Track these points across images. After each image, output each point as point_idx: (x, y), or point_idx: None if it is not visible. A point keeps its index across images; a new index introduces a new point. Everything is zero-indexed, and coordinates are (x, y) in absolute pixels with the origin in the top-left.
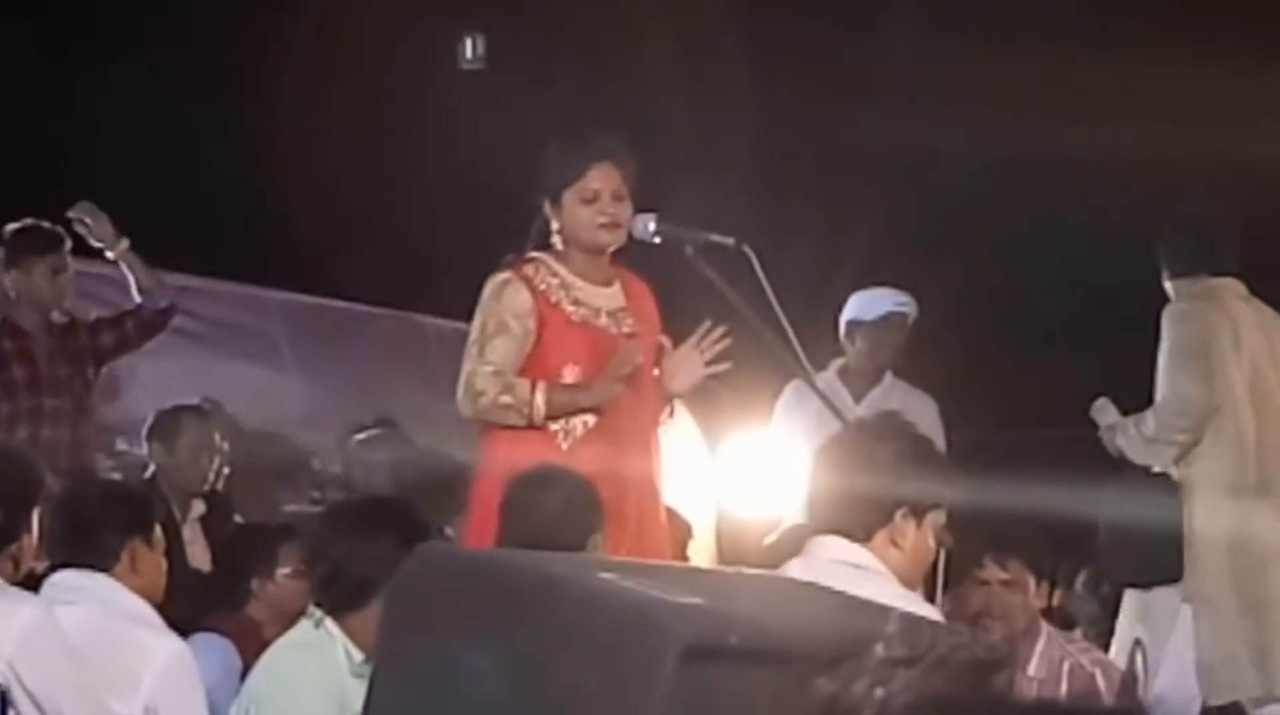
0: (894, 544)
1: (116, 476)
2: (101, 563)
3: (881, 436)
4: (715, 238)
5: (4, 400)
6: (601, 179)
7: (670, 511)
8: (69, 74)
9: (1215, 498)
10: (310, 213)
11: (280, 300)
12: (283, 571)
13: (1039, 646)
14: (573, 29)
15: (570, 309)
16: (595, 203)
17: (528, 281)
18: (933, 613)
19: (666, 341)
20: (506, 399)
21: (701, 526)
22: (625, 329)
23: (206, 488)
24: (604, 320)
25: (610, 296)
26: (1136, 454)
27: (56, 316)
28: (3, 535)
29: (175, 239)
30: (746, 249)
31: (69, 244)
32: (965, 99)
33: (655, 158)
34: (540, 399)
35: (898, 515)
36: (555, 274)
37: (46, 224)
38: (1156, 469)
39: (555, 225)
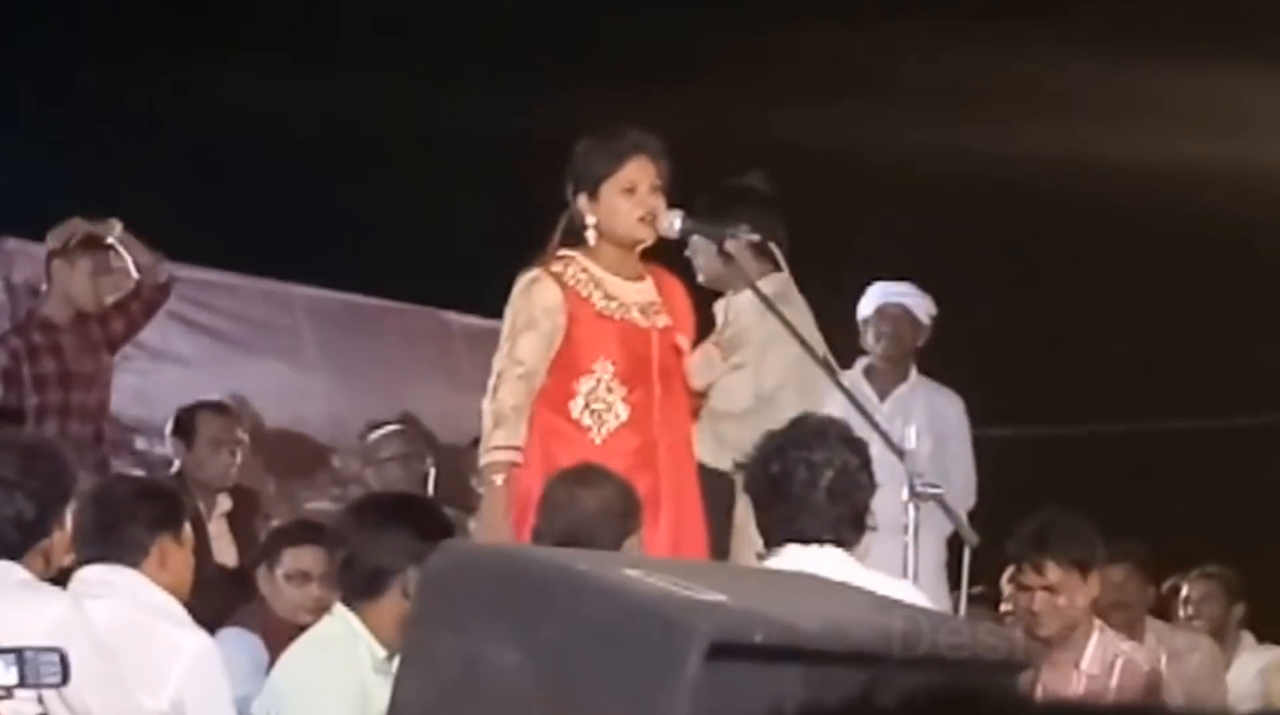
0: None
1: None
2: (131, 559)
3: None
4: (741, 234)
5: (34, 394)
6: (639, 171)
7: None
8: (100, 70)
9: None
10: (331, 207)
11: (305, 295)
12: (282, 571)
13: (1092, 642)
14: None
15: (601, 303)
16: (634, 195)
17: (557, 278)
18: (920, 597)
19: (684, 340)
20: (500, 436)
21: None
22: (660, 323)
23: (230, 483)
24: (635, 314)
25: (642, 291)
26: (705, 453)
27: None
28: (34, 531)
29: (200, 234)
30: (772, 245)
31: (117, 249)
32: (987, 98)
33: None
34: (499, 479)
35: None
36: (585, 269)
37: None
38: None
39: (591, 219)
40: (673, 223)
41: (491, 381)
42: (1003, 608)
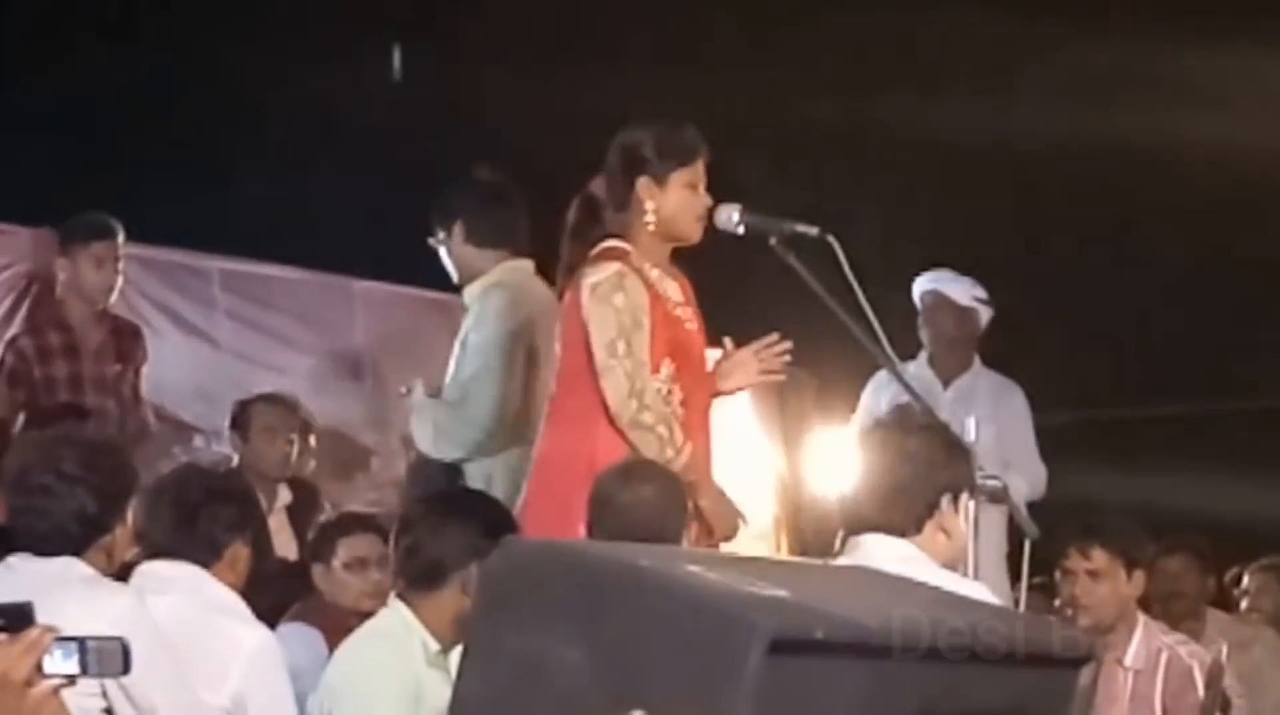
0: (943, 531)
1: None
2: (203, 559)
3: (907, 429)
4: (799, 227)
5: (45, 396)
6: (701, 170)
7: (723, 497)
8: (148, 61)
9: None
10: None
11: (362, 288)
12: (339, 562)
13: (1136, 636)
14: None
15: (666, 301)
16: (695, 192)
17: (639, 273)
18: (990, 596)
19: (729, 343)
20: (669, 453)
21: (760, 513)
22: (697, 324)
23: (288, 473)
24: (680, 312)
25: (678, 289)
26: (424, 442)
27: (113, 308)
28: (96, 527)
29: (264, 225)
30: (830, 238)
31: (120, 235)
32: (1045, 83)
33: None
34: (687, 454)
35: (943, 502)
36: (646, 265)
37: (100, 214)
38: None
39: (650, 205)
40: (731, 216)
41: (625, 385)
42: (1056, 602)
